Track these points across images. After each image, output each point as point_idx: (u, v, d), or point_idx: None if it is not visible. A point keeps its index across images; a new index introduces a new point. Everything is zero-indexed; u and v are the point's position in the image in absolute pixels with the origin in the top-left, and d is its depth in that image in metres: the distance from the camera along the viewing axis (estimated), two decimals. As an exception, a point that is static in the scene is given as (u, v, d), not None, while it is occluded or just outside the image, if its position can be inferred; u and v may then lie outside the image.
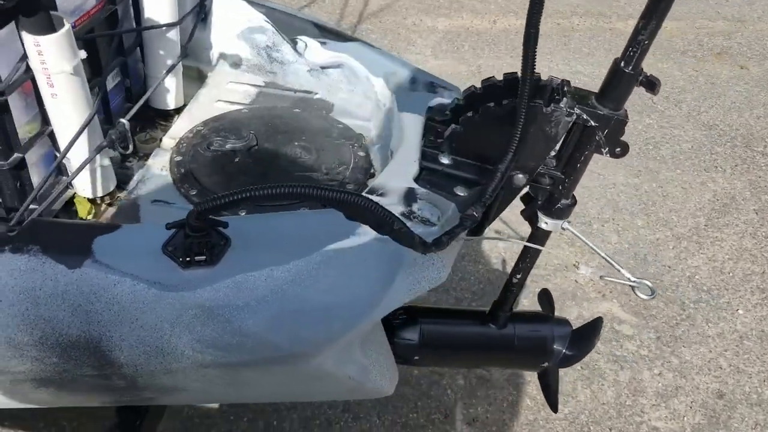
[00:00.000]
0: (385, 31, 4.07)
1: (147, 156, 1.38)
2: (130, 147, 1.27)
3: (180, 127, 1.43)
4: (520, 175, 1.27)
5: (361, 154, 1.40)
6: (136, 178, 1.31)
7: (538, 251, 1.45)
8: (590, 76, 3.94)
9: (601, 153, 1.24)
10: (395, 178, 1.21)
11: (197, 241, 0.98)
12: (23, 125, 1.14)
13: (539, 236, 1.42)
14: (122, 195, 1.29)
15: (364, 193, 1.18)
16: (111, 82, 1.37)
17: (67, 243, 1.00)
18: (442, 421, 2.18)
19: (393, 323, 1.51)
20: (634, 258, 2.82)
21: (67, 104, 1.10)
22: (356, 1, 4.30)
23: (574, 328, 1.60)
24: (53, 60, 1.04)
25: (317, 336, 1.08)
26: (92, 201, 1.26)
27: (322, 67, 1.55)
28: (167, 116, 1.49)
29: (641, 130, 3.59)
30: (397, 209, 1.14)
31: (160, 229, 1.03)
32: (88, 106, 1.13)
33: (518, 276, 1.48)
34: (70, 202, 1.26)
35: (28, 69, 1.07)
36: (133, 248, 1.01)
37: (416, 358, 1.52)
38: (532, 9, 1.09)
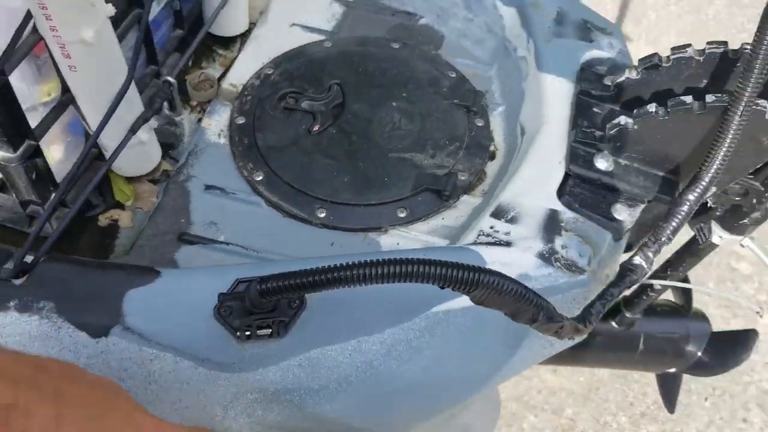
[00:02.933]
0: None
1: (201, 107, 1.07)
2: (180, 110, 0.97)
3: (244, 68, 1.09)
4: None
5: (479, 123, 1.05)
6: (186, 147, 1.01)
7: (695, 262, 1.13)
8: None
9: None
10: (530, 191, 0.88)
11: (261, 317, 0.71)
12: (37, 91, 0.85)
13: (701, 248, 1.09)
14: (169, 168, 1.00)
15: (492, 211, 0.86)
16: (155, 6, 1.03)
17: (90, 298, 0.73)
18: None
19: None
20: None
21: (91, 78, 0.80)
22: None
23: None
24: (66, 26, 0.72)
25: (411, 418, 0.83)
26: (131, 178, 0.98)
27: (430, -19, 1.15)
28: (228, 43, 1.15)
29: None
30: (535, 246, 0.83)
31: (213, 276, 0.76)
32: (121, 72, 0.82)
33: (659, 287, 1.17)
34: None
35: (35, 31, 0.75)
36: (176, 309, 0.74)
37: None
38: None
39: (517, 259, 0.81)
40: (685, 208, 0.81)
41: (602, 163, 0.89)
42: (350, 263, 0.62)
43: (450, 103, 1.06)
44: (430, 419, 0.85)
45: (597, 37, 1.04)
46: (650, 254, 0.81)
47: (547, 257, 0.82)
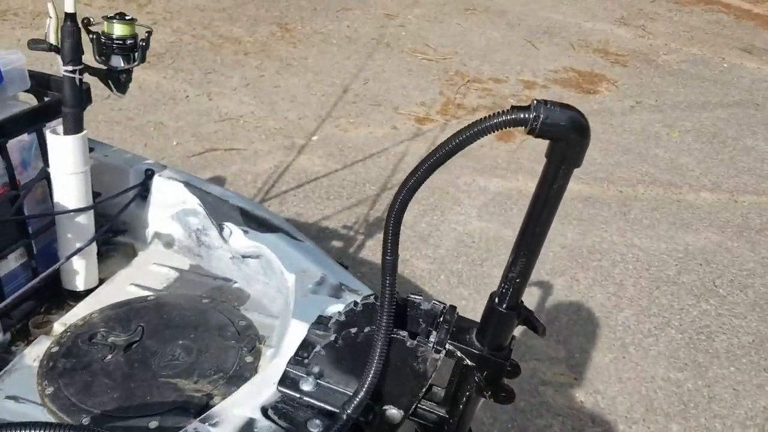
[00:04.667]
0: (432, 190, 4.03)
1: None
2: (1, 334, 1.23)
3: (78, 312, 1.38)
4: (395, 411, 1.11)
5: (249, 360, 1.28)
6: (7, 368, 1.25)
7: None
8: (646, 251, 3.68)
9: (484, 396, 1.06)
10: (241, 404, 1.09)
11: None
12: None
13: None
14: (-15, 383, 1.23)
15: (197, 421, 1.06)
16: (13, 263, 1.36)
17: None
18: None
19: None
20: (662, 472, 2.45)
21: None
22: (411, 158, 4.33)
23: None
24: None
25: None
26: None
27: (243, 256, 1.48)
28: (78, 298, 1.46)
29: (695, 317, 3.25)
30: (226, 446, 1.01)
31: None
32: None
33: None
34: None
35: None
36: None
37: None
38: (386, 237, 0.99)
39: (206, 454, 0.99)
40: (344, 418, 1.01)
41: (306, 386, 1.11)
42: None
43: (228, 344, 1.31)
44: None
45: (344, 295, 1.32)
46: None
47: (233, 456, 1.00)
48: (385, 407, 1.11)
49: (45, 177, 1.38)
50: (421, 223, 3.77)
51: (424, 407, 1.13)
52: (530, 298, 3.29)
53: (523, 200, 4.04)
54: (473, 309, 3.07)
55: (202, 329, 1.34)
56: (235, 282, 1.50)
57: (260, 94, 4.87)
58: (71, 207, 1.37)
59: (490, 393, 1.06)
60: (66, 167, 1.34)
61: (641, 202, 4.17)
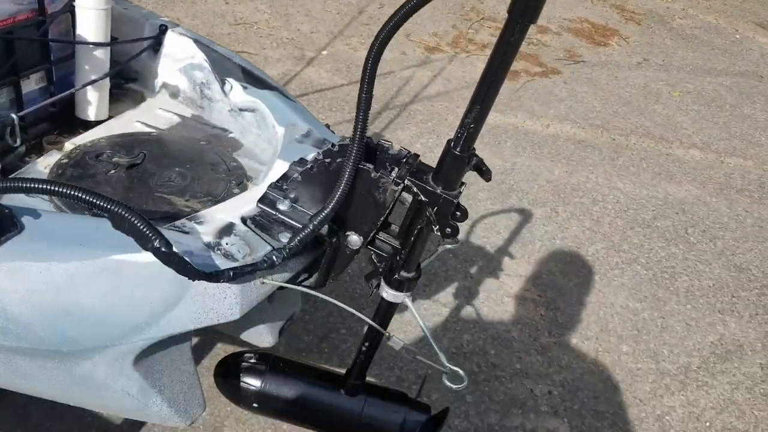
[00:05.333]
0: (432, 114, 4.16)
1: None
2: (18, 141, 1.39)
3: (88, 137, 1.54)
4: (355, 237, 1.28)
5: (236, 191, 1.45)
6: (19, 171, 1.42)
7: (389, 318, 1.43)
8: (627, 195, 3.83)
9: (432, 231, 1.23)
10: (224, 212, 1.25)
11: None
12: None
13: (384, 306, 1.40)
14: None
15: (183, 220, 1.23)
16: (34, 84, 1.51)
17: None
18: None
19: (242, 365, 1.52)
20: (605, 382, 2.66)
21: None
22: (415, 84, 4.44)
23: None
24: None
25: (84, 340, 1.12)
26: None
27: (240, 109, 1.63)
28: (89, 126, 1.61)
29: (662, 257, 3.42)
30: (206, 238, 1.18)
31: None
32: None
33: (367, 344, 1.46)
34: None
35: None
36: None
37: (255, 405, 1.51)
38: (364, 74, 1.13)
39: (187, 241, 1.16)
40: (310, 228, 1.17)
41: (282, 206, 1.27)
42: None
43: (219, 176, 1.47)
44: (99, 347, 1.12)
45: (326, 145, 1.48)
46: (278, 255, 1.16)
47: (212, 246, 1.17)
48: (347, 233, 1.28)
49: (70, 10, 1.52)
50: (416, 143, 3.91)
51: (380, 238, 1.30)
52: (509, 222, 3.46)
53: (518, 136, 4.18)
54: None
55: (197, 163, 1.50)
56: (231, 132, 1.66)
57: (276, 4, 4.94)
58: (91, 40, 1.51)
59: (438, 227, 1.22)
60: (89, 2, 1.48)
61: (631, 151, 4.30)
